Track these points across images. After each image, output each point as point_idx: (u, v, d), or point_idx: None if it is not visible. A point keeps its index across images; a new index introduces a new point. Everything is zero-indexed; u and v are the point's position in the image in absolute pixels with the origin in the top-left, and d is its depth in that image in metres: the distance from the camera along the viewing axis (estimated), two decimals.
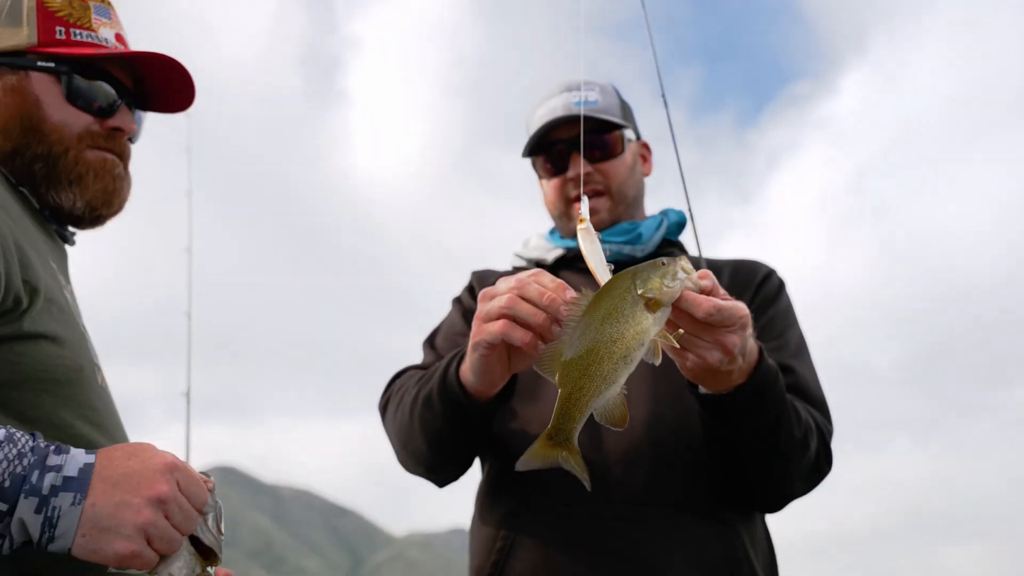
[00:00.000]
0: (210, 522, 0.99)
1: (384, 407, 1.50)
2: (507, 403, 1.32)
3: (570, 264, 1.57)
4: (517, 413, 1.38)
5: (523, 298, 1.07)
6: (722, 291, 1.08)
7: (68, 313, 1.09)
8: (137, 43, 1.28)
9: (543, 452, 1.06)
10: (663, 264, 1.02)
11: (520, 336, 1.06)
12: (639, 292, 1.01)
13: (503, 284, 1.11)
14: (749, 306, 1.11)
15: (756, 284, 1.53)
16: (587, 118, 1.47)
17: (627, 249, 1.54)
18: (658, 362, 1.01)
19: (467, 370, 1.22)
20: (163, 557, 0.92)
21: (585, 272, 1.50)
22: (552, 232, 1.66)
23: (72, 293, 1.17)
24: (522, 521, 1.36)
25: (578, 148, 1.52)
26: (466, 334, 1.49)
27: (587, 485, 1.06)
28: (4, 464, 0.84)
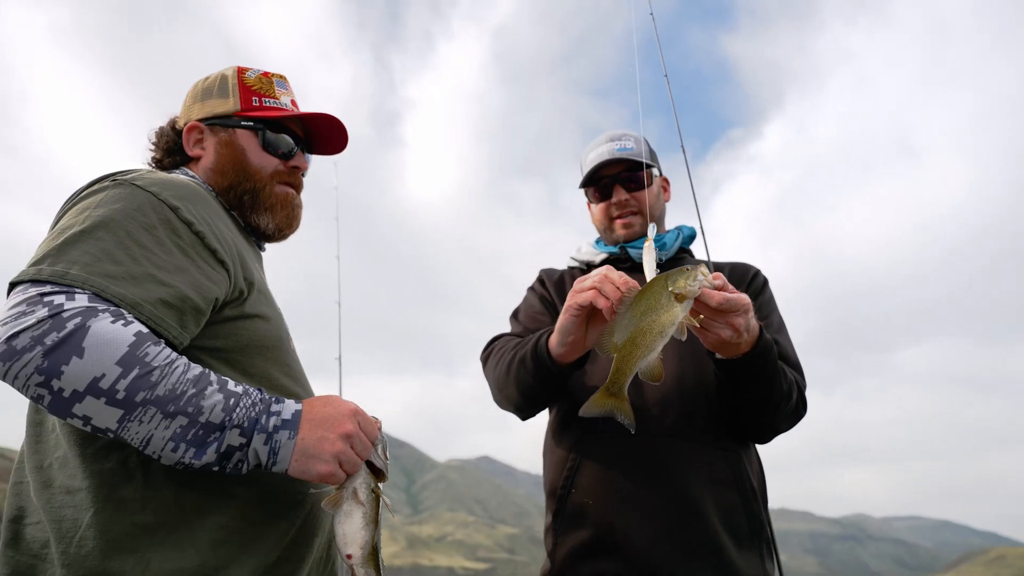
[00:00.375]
0: (379, 450, 1.14)
1: (485, 360, 1.77)
2: (580, 368, 1.56)
3: (613, 265, 1.79)
4: (583, 371, 1.61)
5: (607, 279, 1.34)
6: (731, 287, 1.32)
7: (270, 300, 1.31)
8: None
9: (601, 400, 1.28)
10: (687, 269, 1.25)
11: (603, 303, 1.32)
12: (670, 289, 1.23)
13: (595, 272, 1.38)
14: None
15: (748, 280, 1.81)
16: (625, 160, 1.78)
17: (655, 253, 1.80)
18: (684, 338, 1.25)
19: (554, 340, 1.48)
20: (348, 476, 1.09)
21: (624, 271, 1.79)
22: (597, 241, 1.93)
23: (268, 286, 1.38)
24: (586, 447, 1.60)
25: (619, 182, 1.82)
26: (541, 311, 1.80)
27: (632, 429, 1.29)
28: (244, 410, 1.02)
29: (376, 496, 1.12)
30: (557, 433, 1.69)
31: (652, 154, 1.88)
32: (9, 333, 0.91)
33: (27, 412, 1.16)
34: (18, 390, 0.94)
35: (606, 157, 1.80)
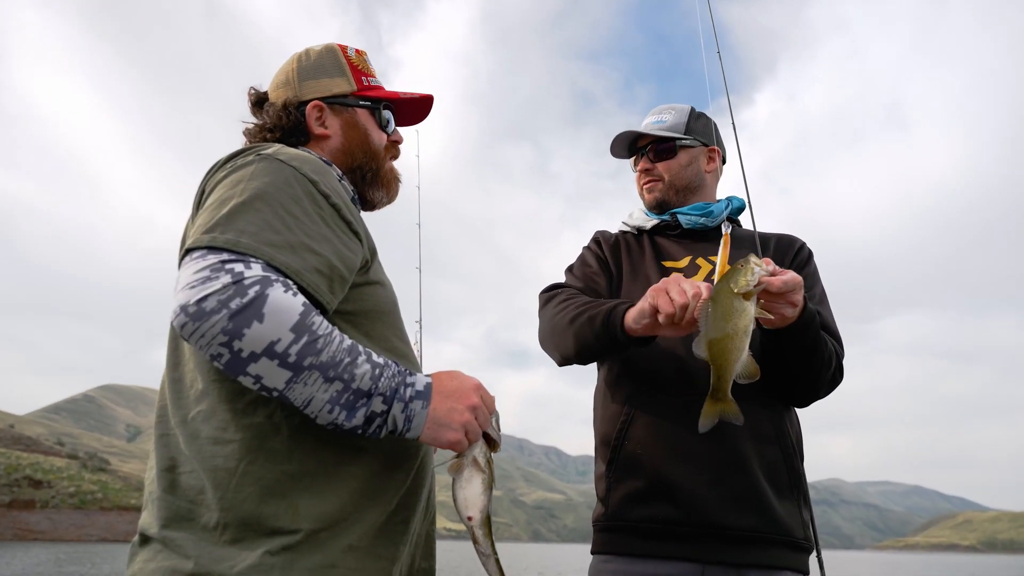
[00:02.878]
0: (494, 422, 1.19)
1: (545, 302, 1.80)
2: (645, 346, 1.59)
3: (662, 232, 1.92)
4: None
5: (684, 307, 1.35)
6: (780, 269, 1.38)
7: (383, 267, 1.33)
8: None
9: (711, 409, 1.38)
10: (742, 267, 1.30)
11: (669, 331, 1.40)
12: (735, 291, 1.29)
13: (688, 286, 1.37)
14: (788, 268, 1.44)
15: (794, 252, 1.86)
16: (648, 134, 1.91)
17: (703, 220, 1.86)
18: (754, 327, 1.32)
19: (630, 316, 1.51)
20: (470, 444, 1.15)
21: (673, 238, 1.88)
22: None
23: None
24: (639, 402, 1.68)
25: (644, 152, 1.93)
26: (597, 271, 1.87)
27: (740, 423, 1.38)
28: (387, 380, 1.08)
29: (491, 464, 1.18)
30: (611, 388, 1.76)
31: (691, 125, 1.94)
32: (199, 296, 0.96)
33: (165, 371, 1.21)
34: (200, 348, 0.98)
35: (639, 130, 1.91)
